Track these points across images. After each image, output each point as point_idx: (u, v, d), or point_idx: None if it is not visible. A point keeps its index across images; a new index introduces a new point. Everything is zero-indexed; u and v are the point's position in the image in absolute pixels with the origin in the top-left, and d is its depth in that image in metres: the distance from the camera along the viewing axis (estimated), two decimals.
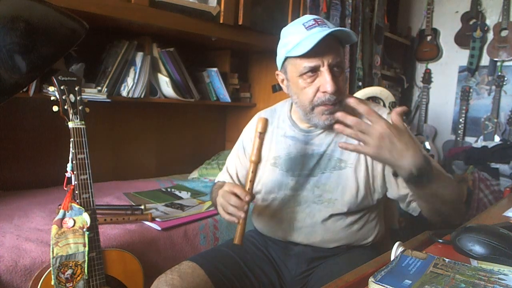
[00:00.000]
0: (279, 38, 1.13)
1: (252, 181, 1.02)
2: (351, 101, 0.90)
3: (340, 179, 1.12)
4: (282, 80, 1.16)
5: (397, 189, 1.10)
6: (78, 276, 1.06)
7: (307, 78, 1.05)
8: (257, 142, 1.03)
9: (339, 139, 1.13)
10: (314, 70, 1.04)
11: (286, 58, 1.09)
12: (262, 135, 1.03)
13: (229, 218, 1.00)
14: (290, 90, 1.14)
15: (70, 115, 1.12)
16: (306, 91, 1.07)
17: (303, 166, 1.15)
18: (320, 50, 1.01)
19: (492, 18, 3.23)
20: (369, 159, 1.11)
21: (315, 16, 1.07)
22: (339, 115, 0.89)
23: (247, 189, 1.01)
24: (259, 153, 1.03)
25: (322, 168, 1.14)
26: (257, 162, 1.03)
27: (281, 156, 1.18)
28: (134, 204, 1.59)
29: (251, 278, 1.15)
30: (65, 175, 1.11)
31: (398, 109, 0.89)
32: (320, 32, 1.00)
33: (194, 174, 2.21)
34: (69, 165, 1.11)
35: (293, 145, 1.17)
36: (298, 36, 1.04)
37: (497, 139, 3.11)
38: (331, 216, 1.13)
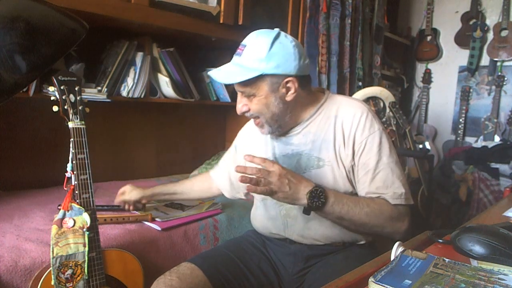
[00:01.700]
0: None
1: None
2: (246, 158, 1.06)
3: (319, 176, 1.14)
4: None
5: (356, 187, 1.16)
6: (78, 276, 1.06)
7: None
8: None
9: (317, 138, 1.16)
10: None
11: None
12: None
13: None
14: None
15: (70, 115, 1.12)
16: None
17: (287, 165, 1.16)
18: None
19: (492, 18, 3.23)
20: (342, 155, 1.14)
21: (246, 39, 1.16)
22: (238, 169, 1.03)
23: None
24: None
25: (303, 168, 1.16)
26: None
27: (269, 157, 1.22)
28: None
29: (250, 278, 1.16)
30: (65, 175, 1.11)
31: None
32: (228, 66, 1.15)
33: (194, 174, 2.21)
34: (69, 165, 1.11)
35: (277, 146, 1.22)
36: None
37: (497, 139, 3.11)
38: None
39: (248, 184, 1.00)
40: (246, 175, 1.01)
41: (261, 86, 1.11)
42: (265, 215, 1.23)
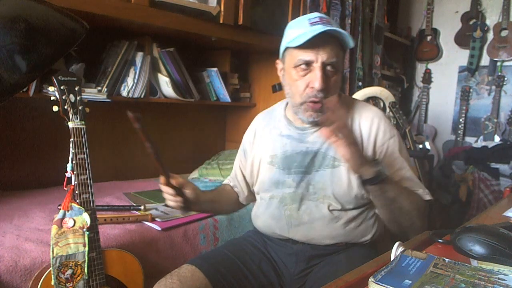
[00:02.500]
0: (281, 36, 1.17)
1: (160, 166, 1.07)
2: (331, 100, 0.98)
3: (333, 176, 1.13)
4: (280, 70, 1.20)
5: None
6: (78, 276, 1.06)
7: (300, 70, 1.08)
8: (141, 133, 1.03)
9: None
10: (308, 64, 1.07)
11: (286, 48, 1.13)
12: (139, 130, 1.04)
13: (169, 204, 1.14)
14: (284, 80, 1.17)
15: (70, 115, 1.12)
16: (298, 83, 1.10)
17: (299, 163, 1.16)
18: (316, 46, 1.04)
19: (492, 18, 3.23)
20: None
21: (322, 15, 1.10)
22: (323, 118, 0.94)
23: None
24: (148, 142, 1.06)
25: (316, 166, 1.15)
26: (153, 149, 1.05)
27: (277, 155, 1.20)
28: (134, 204, 1.59)
29: (251, 279, 1.15)
30: (65, 175, 1.11)
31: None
32: (319, 29, 1.03)
33: (194, 174, 2.21)
34: (69, 165, 1.11)
35: (289, 144, 1.19)
36: (300, 29, 1.07)
37: (497, 139, 3.11)
38: (328, 213, 1.14)
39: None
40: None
41: (342, 61, 1.10)
42: (269, 215, 1.22)
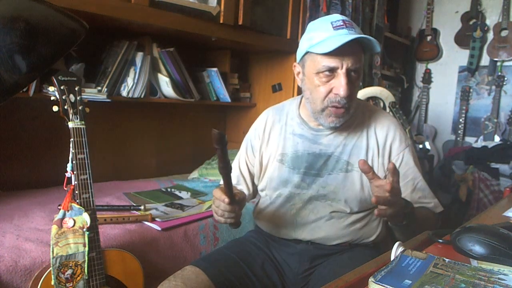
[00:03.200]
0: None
1: (226, 187, 1.00)
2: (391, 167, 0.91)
3: (346, 181, 1.13)
4: (298, 73, 1.17)
5: None
6: (78, 276, 1.06)
7: (323, 77, 1.06)
8: (219, 153, 0.94)
9: (349, 142, 1.15)
10: (332, 71, 1.05)
11: (307, 52, 1.09)
12: (218, 150, 0.94)
13: (221, 220, 1.05)
14: (304, 84, 1.14)
15: (70, 115, 1.12)
16: (320, 89, 1.07)
17: (310, 164, 1.16)
18: (342, 52, 1.02)
19: (492, 18, 3.23)
20: (375, 164, 1.14)
21: (344, 17, 1.07)
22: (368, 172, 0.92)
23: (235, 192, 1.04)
24: (222, 163, 0.96)
25: (329, 169, 1.15)
26: (226, 170, 0.97)
27: (287, 154, 1.19)
28: (134, 204, 1.59)
29: (254, 281, 1.15)
30: (65, 175, 1.11)
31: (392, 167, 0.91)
32: (346, 35, 1.01)
33: (194, 174, 2.21)
34: (69, 165, 1.11)
35: (301, 143, 1.18)
36: (324, 33, 1.04)
37: (497, 139, 3.11)
38: (334, 213, 1.14)
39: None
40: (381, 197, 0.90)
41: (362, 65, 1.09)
42: (273, 213, 1.21)
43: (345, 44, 0.99)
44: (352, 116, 1.14)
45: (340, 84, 1.04)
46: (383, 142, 1.15)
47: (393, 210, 0.93)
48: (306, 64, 1.10)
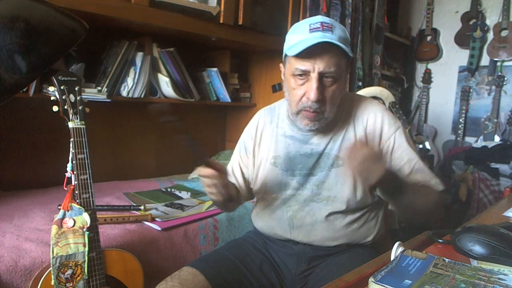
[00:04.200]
0: (281, 36, 1.15)
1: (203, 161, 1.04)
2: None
3: (338, 176, 1.13)
4: (282, 74, 1.18)
5: None
6: (78, 276, 1.06)
7: (298, 79, 1.06)
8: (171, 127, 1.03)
9: (338, 137, 1.15)
10: (306, 74, 1.04)
11: (285, 55, 1.11)
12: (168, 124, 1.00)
13: (213, 193, 1.08)
14: (284, 85, 1.16)
15: (70, 115, 1.12)
16: (295, 92, 1.08)
17: (303, 165, 1.15)
18: (314, 55, 1.01)
19: (492, 18, 3.23)
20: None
21: (325, 20, 1.05)
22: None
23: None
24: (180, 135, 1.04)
25: (321, 167, 1.14)
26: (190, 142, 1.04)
27: (280, 156, 1.19)
28: (134, 204, 1.59)
29: (252, 281, 1.15)
30: (65, 175, 1.11)
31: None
32: (318, 38, 1.00)
33: (194, 174, 2.20)
34: (69, 165, 1.11)
35: (292, 145, 1.18)
36: (299, 36, 1.04)
37: (497, 139, 3.11)
38: (330, 214, 1.13)
39: None
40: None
41: (344, 70, 1.07)
42: (270, 215, 1.21)
43: (318, 47, 0.99)
44: (340, 111, 1.15)
45: (311, 88, 1.03)
46: (373, 129, 1.14)
47: (363, 165, 0.94)
48: (285, 66, 1.12)
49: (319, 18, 1.06)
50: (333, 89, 1.05)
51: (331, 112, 1.09)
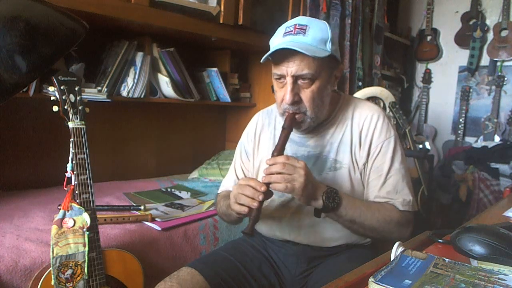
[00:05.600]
0: None
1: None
2: (268, 162, 1.00)
3: (336, 179, 1.13)
4: None
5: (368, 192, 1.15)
6: (78, 276, 1.06)
7: (278, 83, 1.09)
8: (282, 136, 1.06)
9: (335, 140, 1.15)
10: (283, 77, 1.06)
11: None
12: (285, 130, 1.06)
13: (239, 208, 1.02)
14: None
15: (70, 115, 1.12)
16: (278, 95, 1.11)
17: None
18: (285, 59, 1.03)
19: (492, 18, 3.23)
20: (357, 157, 1.14)
21: (301, 21, 1.06)
22: (268, 161, 1.00)
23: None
24: (281, 148, 1.04)
25: (319, 170, 1.15)
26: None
27: None
28: (134, 204, 1.59)
29: (251, 282, 1.15)
30: (65, 175, 1.11)
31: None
32: (285, 43, 1.01)
33: (194, 174, 2.21)
34: (69, 165, 1.11)
35: (289, 147, 1.18)
36: (276, 40, 1.08)
37: (497, 139, 3.11)
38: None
39: (270, 178, 0.97)
40: (271, 170, 0.97)
41: (323, 69, 1.05)
42: (269, 217, 1.21)
43: (289, 51, 1.00)
44: (337, 115, 1.16)
45: (285, 92, 1.05)
46: (365, 133, 1.13)
47: (290, 185, 0.96)
48: None
49: (296, 20, 1.07)
50: (312, 89, 1.06)
51: (315, 112, 1.08)
